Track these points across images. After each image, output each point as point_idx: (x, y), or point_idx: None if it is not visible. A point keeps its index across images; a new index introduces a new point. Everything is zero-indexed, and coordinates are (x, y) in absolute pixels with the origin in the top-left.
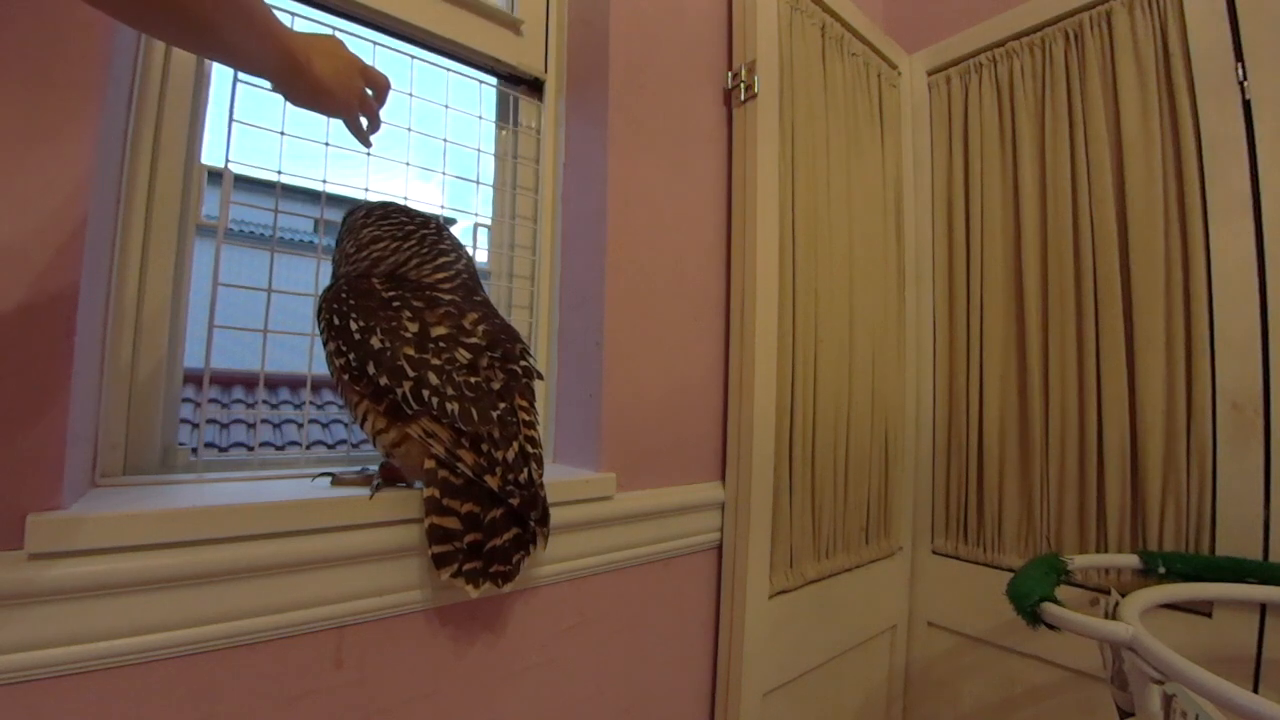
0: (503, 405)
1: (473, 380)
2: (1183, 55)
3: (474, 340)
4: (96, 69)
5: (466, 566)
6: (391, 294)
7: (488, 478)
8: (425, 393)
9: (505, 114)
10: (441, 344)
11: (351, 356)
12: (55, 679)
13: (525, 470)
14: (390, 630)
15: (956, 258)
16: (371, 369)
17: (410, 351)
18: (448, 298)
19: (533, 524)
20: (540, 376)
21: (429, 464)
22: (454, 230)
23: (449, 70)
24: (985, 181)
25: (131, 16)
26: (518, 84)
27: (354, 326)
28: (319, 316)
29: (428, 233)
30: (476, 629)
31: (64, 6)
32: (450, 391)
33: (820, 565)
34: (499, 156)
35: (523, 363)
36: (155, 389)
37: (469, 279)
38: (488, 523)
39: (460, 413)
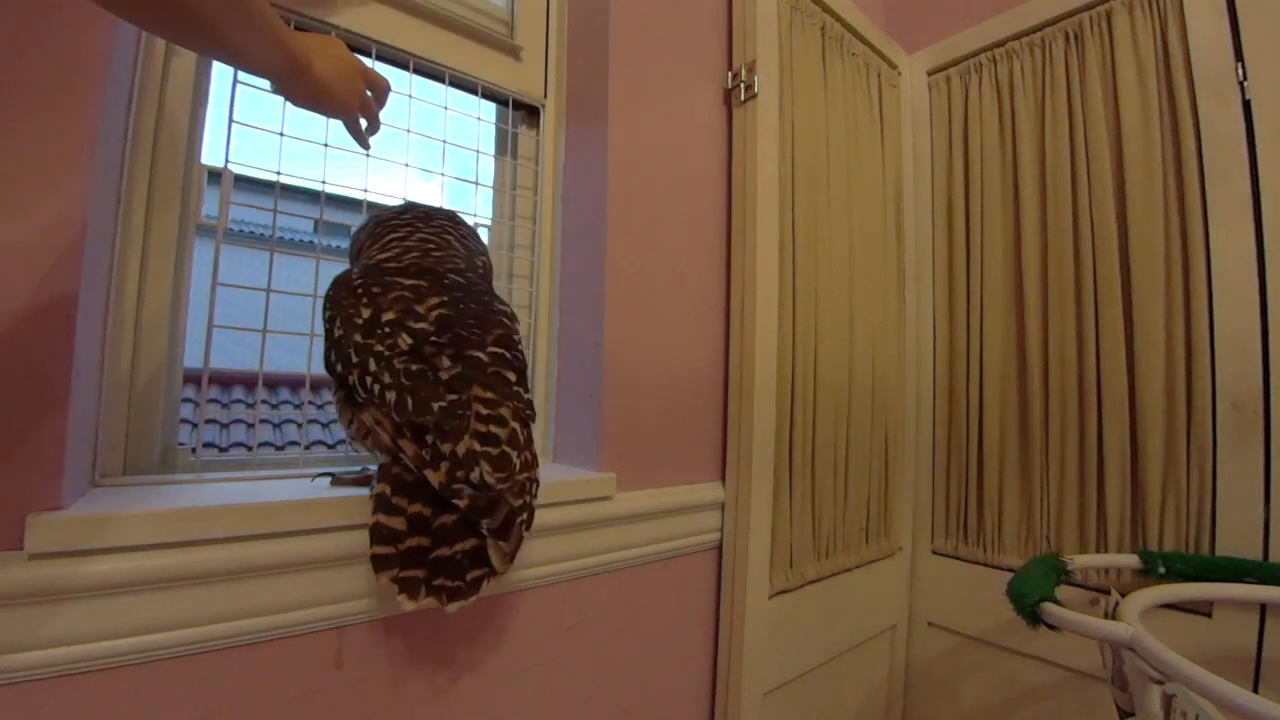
0: (453, 396)
1: (414, 368)
2: (1183, 55)
3: (421, 325)
4: (96, 68)
5: (404, 574)
6: (359, 281)
7: (429, 472)
8: (368, 379)
9: (505, 118)
10: (387, 329)
11: (325, 346)
12: (55, 679)
13: (476, 470)
14: (390, 630)
15: (956, 258)
16: (332, 357)
17: (359, 338)
18: (409, 282)
19: (485, 533)
20: (523, 364)
21: (384, 458)
22: None
23: (450, 87)
24: (985, 181)
25: (138, 16)
26: (518, 108)
27: (326, 316)
28: None
29: (387, 215)
30: (476, 629)
31: (63, 6)
32: (388, 379)
33: (820, 565)
34: (499, 157)
35: (492, 349)
36: (155, 389)
37: (431, 259)
38: (436, 528)
39: (396, 401)
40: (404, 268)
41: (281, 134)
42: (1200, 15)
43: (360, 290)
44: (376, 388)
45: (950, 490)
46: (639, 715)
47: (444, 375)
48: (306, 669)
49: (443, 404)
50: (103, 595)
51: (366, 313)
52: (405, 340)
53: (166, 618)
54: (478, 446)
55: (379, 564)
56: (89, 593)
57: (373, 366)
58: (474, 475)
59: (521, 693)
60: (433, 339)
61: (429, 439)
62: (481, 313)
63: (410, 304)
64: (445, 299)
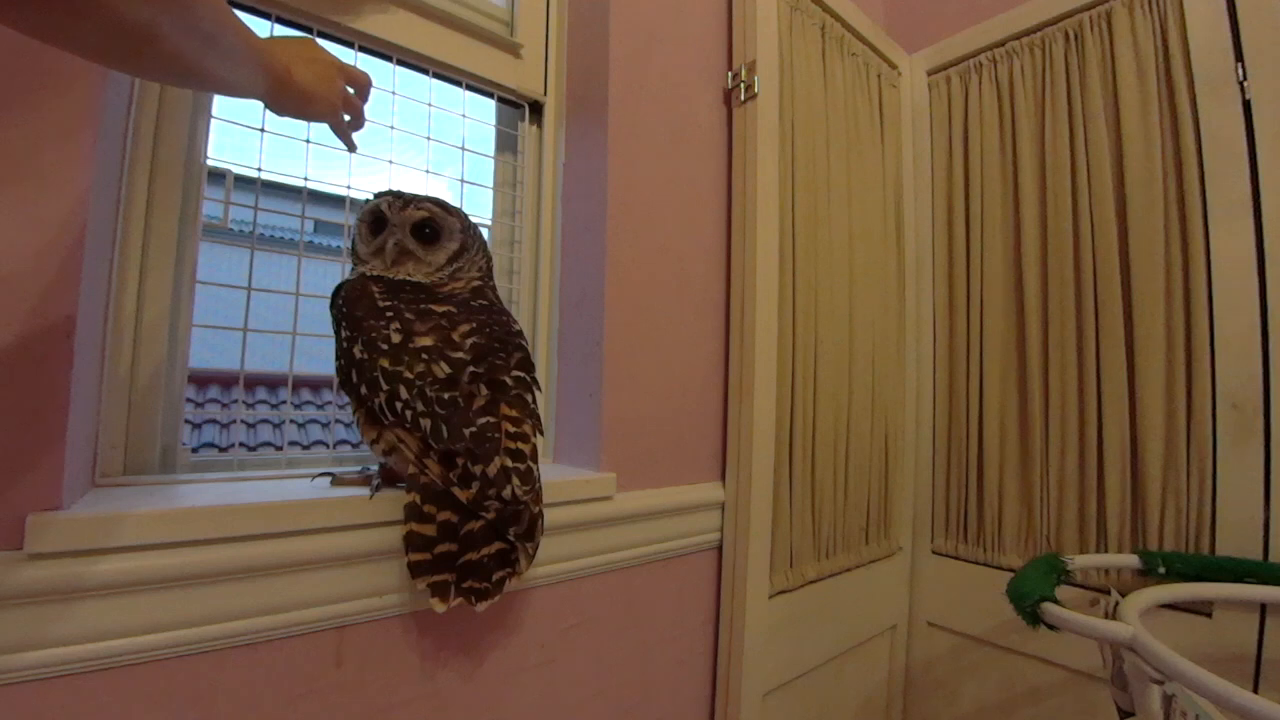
0: (483, 420)
1: (446, 396)
2: (1183, 55)
3: (459, 355)
4: (96, 69)
5: (436, 578)
6: (386, 304)
7: (457, 490)
8: (398, 405)
9: (505, 116)
10: (424, 355)
11: (342, 361)
12: (55, 679)
13: (508, 487)
14: (390, 630)
15: (956, 258)
16: (354, 377)
17: (385, 364)
18: (441, 309)
19: (512, 538)
20: (538, 387)
21: (412, 469)
22: None
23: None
24: (985, 181)
25: (120, 64)
26: (517, 106)
27: (343, 334)
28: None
29: None
30: (477, 629)
31: None
32: (420, 407)
33: (820, 565)
34: (499, 156)
35: (515, 373)
36: (155, 389)
37: (469, 283)
38: (464, 534)
39: (431, 430)
40: (447, 294)
41: (307, 140)
42: (1200, 15)
43: (390, 313)
44: (408, 414)
45: (950, 490)
46: (639, 715)
47: (479, 402)
48: (306, 669)
49: (474, 429)
50: (103, 595)
51: (397, 338)
52: (443, 369)
53: (166, 618)
54: (509, 463)
55: (416, 570)
56: (89, 593)
57: (404, 394)
58: (505, 492)
59: (521, 692)
60: (471, 369)
61: (459, 461)
62: (503, 335)
63: (447, 333)
64: (474, 325)
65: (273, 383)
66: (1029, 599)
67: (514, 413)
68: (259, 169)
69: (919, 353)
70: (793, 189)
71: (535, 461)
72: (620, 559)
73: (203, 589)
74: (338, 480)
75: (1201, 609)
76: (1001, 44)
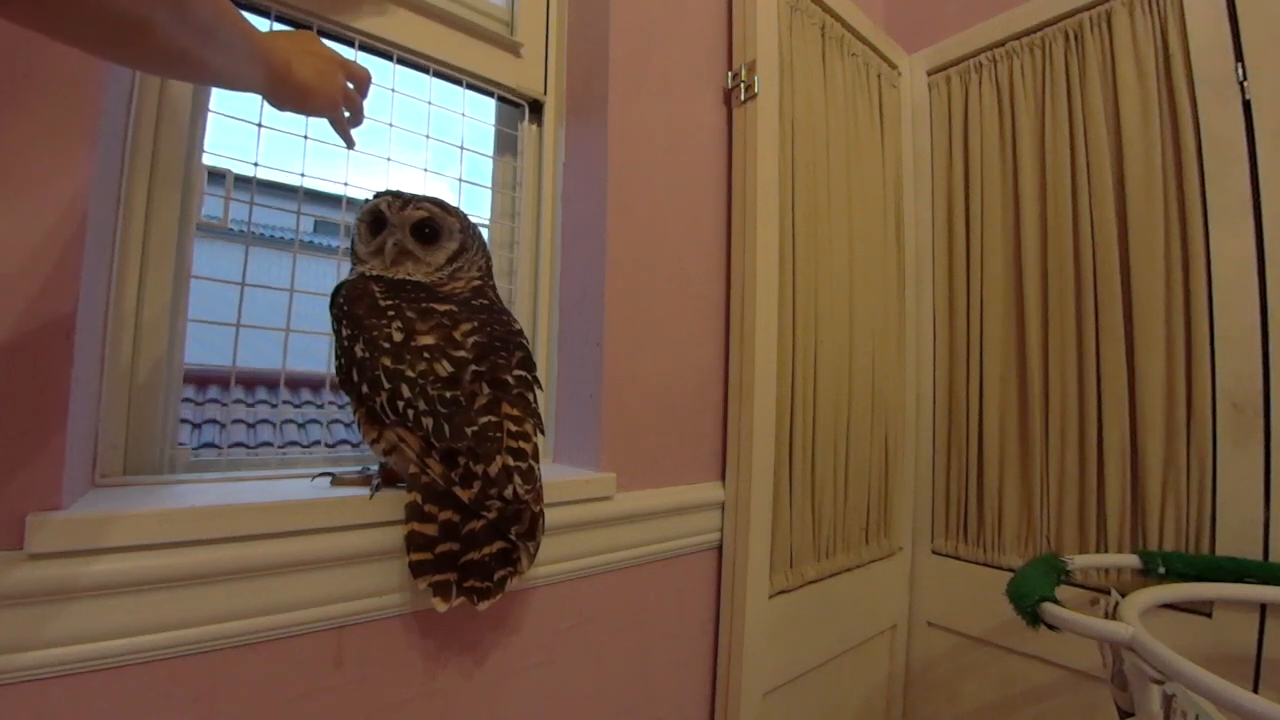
0: (485, 419)
1: (448, 395)
2: (1183, 55)
3: (460, 354)
4: (96, 68)
5: (438, 578)
6: (388, 303)
7: (458, 490)
8: (400, 404)
9: (505, 116)
10: (426, 354)
11: (342, 361)
12: (55, 679)
13: (510, 486)
14: (390, 630)
15: (956, 258)
16: (355, 376)
17: (387, 362)
18: (443, 308)
19: (513, 537)
20: (539, 385)
21: (413, 469)
22: None
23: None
24: (985, 181)
25: (115, 55)
26: (518, 105)
27: (344, 333)
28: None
29: None
30: (477, 629)
31: None
32: (423, 406)
33: (820, 565)
34: (499, 155)
35: (516, 372)
36: (155, 388)
37: (469, 283)
38: (465, 534)
39: (433, 428)
40: (448, 293)
41: (305, 137)
42: (1200, 15)
43: (392, 312)
44: (410, 412)
45: (950, 490)
46: (639, 715)
47: (481, 401)
48: (306, 669)
49: (475, 428)
50: (103, 595)
51: (399, 336)
52: (445, 367)
53: (166, 618)
54: (510, 461)
55: (418, 570)
56: (89, 593)
57: (406, 393)
58: (507, 492)
59: (522, 692)
60: (473, 368)
61: (461, 460)
62: (504, 334)
63: (449, 332)
64: (476, 324)
65: (274, 383)
66: (1029, 599)
67: (516, 412)
68: (255, 164)
69: (919, 353)
70: (793, 189)
71: (536, 460)
72: (620, 559)
73: (203, 589)
74: (338, 480)
75: (1201, 609)
76: (1001, 44)
